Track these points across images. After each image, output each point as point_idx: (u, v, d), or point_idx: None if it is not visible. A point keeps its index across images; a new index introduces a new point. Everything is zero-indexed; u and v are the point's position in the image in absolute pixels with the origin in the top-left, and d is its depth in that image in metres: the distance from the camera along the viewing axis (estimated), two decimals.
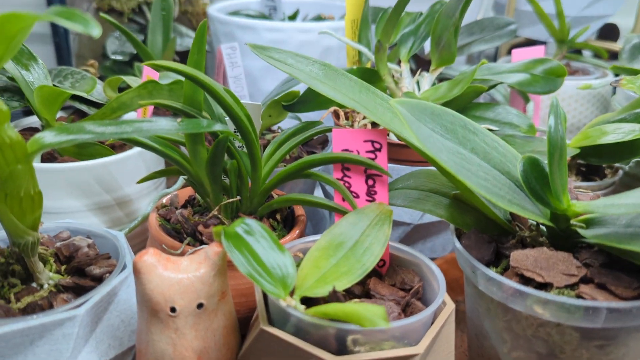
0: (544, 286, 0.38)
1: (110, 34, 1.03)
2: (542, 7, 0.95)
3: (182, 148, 0.50)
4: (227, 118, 0.48)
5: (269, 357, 0.39)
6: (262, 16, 1.07)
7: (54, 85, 0.67)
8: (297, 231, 0.51)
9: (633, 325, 0.36)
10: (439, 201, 0.47)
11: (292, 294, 0.38)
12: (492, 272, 0.39)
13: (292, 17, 1.07)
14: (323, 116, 0.67)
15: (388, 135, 0.49)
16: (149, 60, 0.88)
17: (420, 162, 0.59)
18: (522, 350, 0.40)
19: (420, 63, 1.00)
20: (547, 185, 0.39)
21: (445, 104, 0.63)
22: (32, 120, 0.68)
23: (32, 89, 0.58)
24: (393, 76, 0.67)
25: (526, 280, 0.38)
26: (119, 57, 0.99)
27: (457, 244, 0.43)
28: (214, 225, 0.50)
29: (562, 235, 0.41)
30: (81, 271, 0.45)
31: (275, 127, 0.76)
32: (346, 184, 0.47)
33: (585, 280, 0.38)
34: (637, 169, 0.69)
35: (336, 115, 0.69)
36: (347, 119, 0.68)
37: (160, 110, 0.80)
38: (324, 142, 0.75)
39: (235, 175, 0.50)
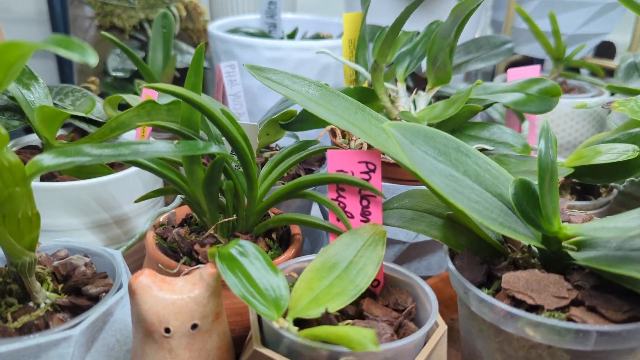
0: (535, 308, 0.38)
1: (112, 51, 1.04)
2: (539, 25, 0.96)
3: (180, 168, 0.51)
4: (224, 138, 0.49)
5: None
6: (262, 34, 1.08)
7: (55, 103, 0.68)
8: (293, 250, 0.52)
9: (623, 348, 0.36)
10: (433, 222, 0.48)
11: (285, 315, 0.38)
12: (483, 294, 0.39)
13: (291, 36, 1.08)
14: (320, 135, 0.68)
15: (383, 154, 0.49)
16: (150, 77, 0.90)
17: (415, 182, 0.59)
18: None
19: (418, 80, 1.01)
20: (538, 207, 0.39)
21: (441, 123, 0.63)
22: (33, 138, 0.69)
23: (32, 108, 0.59)
24: (389, 95, 0.68)
25: (518, 302, 0.39)
26: (119, 74, 1.00)
27: (450, 265, 0.44)
28: (210, 245, 0.51)
29: (554, 257, 0.41)
30: (78, 290, 0.46)
31: (273, 145, 0.77)
32: (341, 204, 0.48)
33: (576, 302, 0.38)
34: (632, 188, 0.70)
35: (333, 133, 0.69)
36: (343, 137, 0.69)
37: (159, 129, 0.81)
38: (322, 160, 0.75)
39: (232, 195, 0.51)
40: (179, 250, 0.51)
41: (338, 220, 0.48)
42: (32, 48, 0.29)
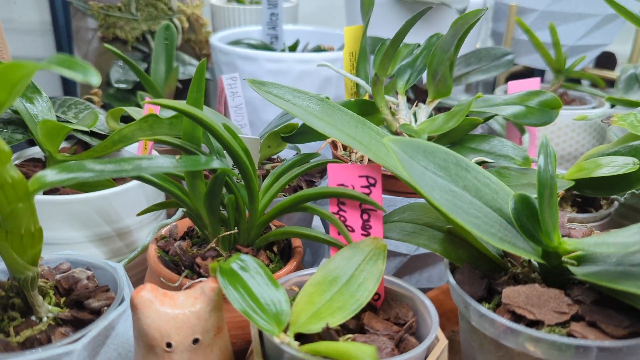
0: (536, 323, 0.38)
1: (114, 63, 1.05)
2: (539, 37, 0.96)
3: (182, 181, 0.51)
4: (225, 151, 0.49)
5: None
6: (264, 45, 1.09)
7: (57, 116, 0.68)
8: (294, 263, 0.52)
9: None
10: (433, 235, 0.48)
11: (286, 329, 0.38)
12: (484, 309, 0.40)
13: (293, 48, 1.09)
14: (321, 147, 0.69)
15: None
16: (152, 89, 0.90)
17: (415, 194, 0.59)
18: None
19: (419, 92, 1.02)
20: (538, 222, 0.39)
21: (442, 136, 0.64)
22: (35, 151, 0.69)
23: (35, 121, 0.59)
24: (390, 107, 0.68)
25: (518, 317, 0.39)
26: (122, 86, 1.00)
27: (451, 279, 0.44)
28: (212, 258, 0.51)
29: (554, 271, 0.41)
30: (80, 304, 0.46)
31: (274, 156, 0.77)
32: (342, 218, 0.48)
33: (576, 317, 0.38)
34: (633, 200, 0.70)
35: (334, 145, 0.70)
36: (344, 149, 0.69)
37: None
38: (323, 171, 0.75)
39: (233, 209, 0.51)
40: (181, 263, 0.51)
41: (339, 233, 0.48)
42: (35, 68, 0.29)
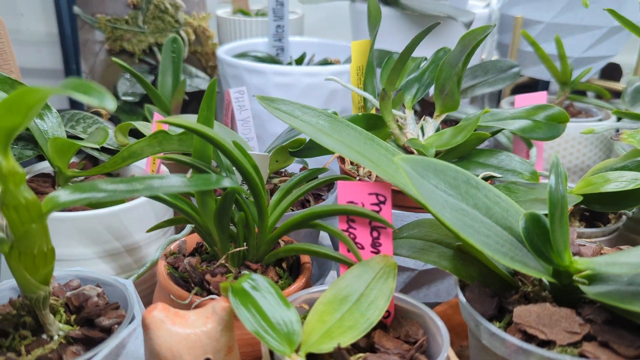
0: (547, 343, 0.38)
1: (121, 75, 1.05)
2: (545, 49, 0.97)
3: (192, 198, 0.51)
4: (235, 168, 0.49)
5: None
6: (270, 58, 1.09)
7: (66, 130, 0.69)
8: (303, 280, 0.52)
9: None
10: (442, 252, 0.48)
11: (298, 349, 0.38)
12: (495, 328, 0.39)
13: (299, 60, 1.09)
14: (328, 162, 0.69)
15: None
16: (159, 102, 0.91)
17: (424, 209, 0.59)
18: None
19: (426, 105, 1.02)
20: (549, 241, 0.39)
21: (449, 151, 0.64)
22: (44, 166, 0.70)
23: (46, 137, 0.60)
24: (397, 121, 0.68)
25: (529, 337, 0.39)
26: (129, 98, 1.01)
27: (461, 297, 0.44)
28: (221, 274, 0.51)
29: (565, 290, 0.41)
30: (91, 322, 0.46)
31: (282, 170, 0.77)
32: (351, 235, 0.48)
33: (588, 337, 0.38)
34: None
35: (342, 159, 0.70)
36: (352, 163, 0.69)
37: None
38: (330, 185, 0.75)
39: (243, 226, 0.51)
40: (190, 280, 0.51)
41: (348, 251, 0.48)
42: (50, 93, 0.30)
